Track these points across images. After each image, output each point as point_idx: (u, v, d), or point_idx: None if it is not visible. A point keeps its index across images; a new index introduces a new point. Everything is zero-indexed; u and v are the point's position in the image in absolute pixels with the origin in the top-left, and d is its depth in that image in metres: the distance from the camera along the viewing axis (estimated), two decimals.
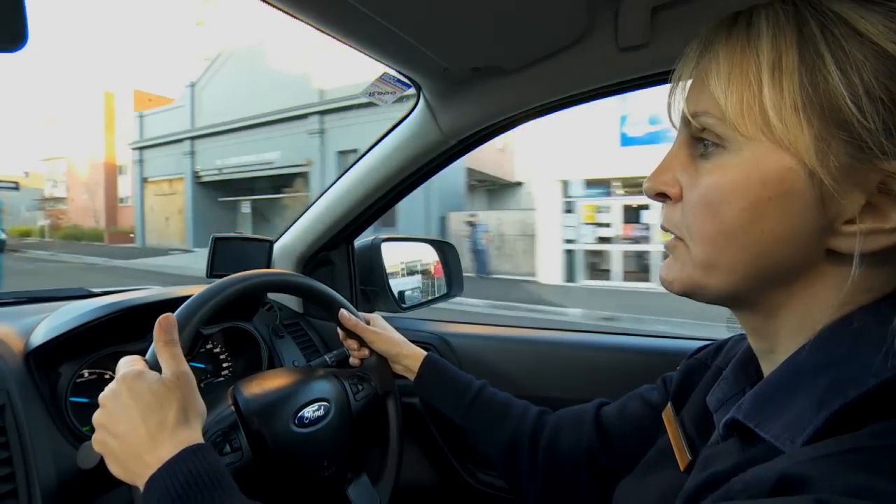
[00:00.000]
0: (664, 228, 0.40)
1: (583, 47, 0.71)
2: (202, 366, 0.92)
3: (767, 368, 0.39)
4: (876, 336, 0.30)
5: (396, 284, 1.18)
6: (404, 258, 1.25)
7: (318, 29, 0.67)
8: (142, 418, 0.47)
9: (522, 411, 0.69)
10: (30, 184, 29.13)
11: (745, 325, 0.40)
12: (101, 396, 0.50)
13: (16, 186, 25.11)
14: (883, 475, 0.25)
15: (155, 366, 0.52)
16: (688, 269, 0.37)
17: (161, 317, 0.53)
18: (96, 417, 0.50)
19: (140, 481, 0.46)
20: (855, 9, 0.30)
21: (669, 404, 0.52)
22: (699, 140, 0.36)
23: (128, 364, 0.52)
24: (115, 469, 0.49)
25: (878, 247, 0.30)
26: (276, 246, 1.11)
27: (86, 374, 0.73)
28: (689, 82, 0.37)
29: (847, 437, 0.28)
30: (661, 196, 0.39)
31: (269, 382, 0.68)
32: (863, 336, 0.31)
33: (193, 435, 0.49)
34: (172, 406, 0.49)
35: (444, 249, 1.28)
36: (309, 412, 0.66)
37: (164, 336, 0.53)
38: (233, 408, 0.62)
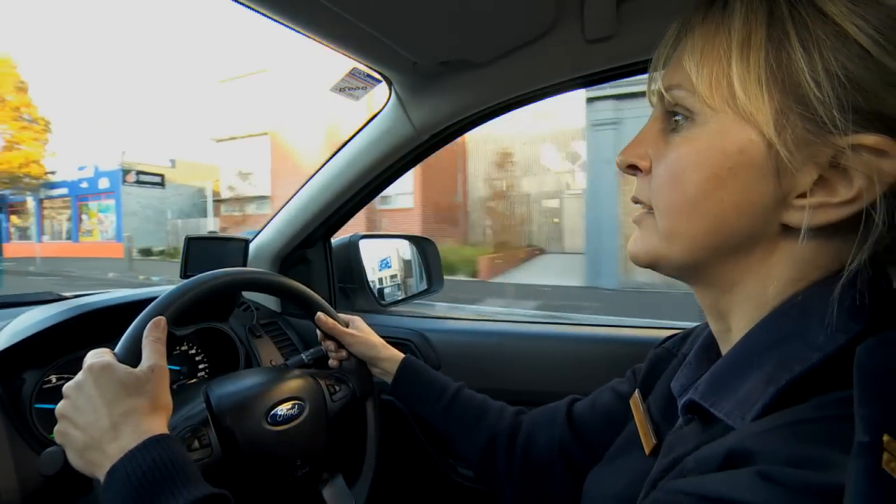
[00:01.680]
0: (635, 200, 0.41)
1: (550, 40, 0.71)
2: (177, 367, 0.91)
3: (725, 350, 0.40)
4: (822, 312, 0.31)
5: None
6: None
7: (285, 25, 0.66)
8: (106, 408, 0.47)
9: (499, 412, 0.69)
10: (177, 177, 19.14)
11: (703, 302, 0.41)
12: (66, 387, 0.50)
13: (160, 181, 18.20)
14: (822, 444, 0.26)
15: (125, 359, 0.52)
16: (653, 241, 0.39)
17: (157, 318, 0.55)
18: (59, 408, 0.49)
19: (100, 472, 0.45)
20: None
21: (637, 391, 0.53)
22: (671, 115, 0.38)
23: (95, 356, 0.51)
24: (75, 460, 0.48)
25: (827, 220, 0.31)
26: (252, 245, 1.09)
27: (53, 380, 0.71)
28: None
29: (791, 410, 0.29)
30: (633, 168, 0.41)
31: (243, 380, 0.67)
32: (810, 312, 0.32)
33: (158, 425, 0.48)
34: (142, 397, 0.48)
35: (423, 245, 1.28)
36: (282, 410, 0.65)
37: (155, 333, 0.54)
38: (204, 405, 0.62)
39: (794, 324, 0.33)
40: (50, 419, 0.66)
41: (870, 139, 0.29)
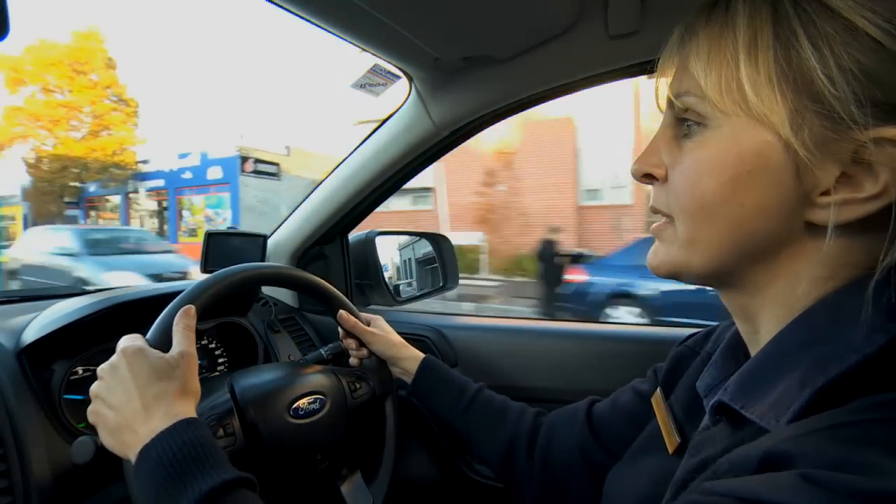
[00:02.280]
0: (654, 210, 0.40)
1: (573, 35, 0.71)
2: (198, 361, 0.92)
3: (753, 351, 0.40)
4: (857, 311, 0.30)
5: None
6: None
7: (307, 20, 0.66)
8: (139, 391, 0.48)
9: (519, 414, 0.69)
10: (290, 167, 15.24)
11: (730, 305, 0.40)
12: (100, 369, 0.51)
13: (276, 171, 14.67)
14: (864, 447, 0.26)
15: (156, 344, 0.53)
16: (673, 250, 0.38)
17: (187, 306, 0.57)
18: (93, 389, 0.51)
19: (132, 452, 0.46)
20: None
21: (658, 389, 0.52)
22: (682, 121, 0.37)
23: (129, 340, 0.53)
24: (107, 440, 0.49)
25: (853, 216, 0.31)
26: (270, 241, 1.10)
27: (80, 372, 0.73)
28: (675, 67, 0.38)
29: (830, 413, 0.28)
30: (648, 177, 0.40)
31: (266, 373, 0.69)
32: (844, 312, 0.31)
33: (188, 409, 0.49)
34: (173, 382, 0.50)
35: (439, 242, 1.28)
36: (304, 404, 0.66)
37: (185, 320, 0.56)
38: (229, 395, 0.63)
39: (827, 324, 0.32)
40: (78, 409, 0.68)
41: (892, 132, 0.29)
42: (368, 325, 0.79)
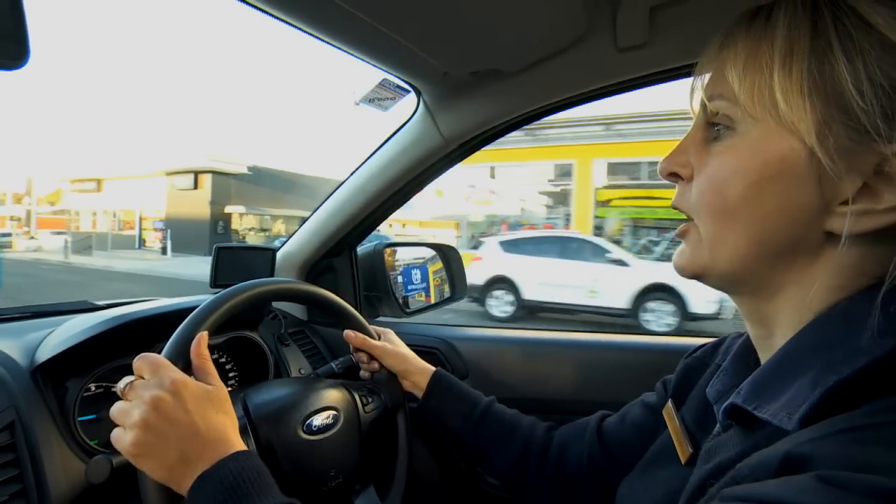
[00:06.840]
0: (674, 207, 0.42)
1: (581, 48, 0.71)
2: None
3: (765, 356, 0.40)
4: (867, 318, 0.31)
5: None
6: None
7: (316, 36, 0.67)
8: (203, 423, 0.48)
9: (531, 427, 0.69)
10: None
11: (745, 310, 0.41)
12: (152, 396, 0.47)
13: None
14: (881, 449, 0.26)
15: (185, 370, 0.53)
16: (697, 252, 0.39)
17: (198, 336, 0.56)
18: (144, 418, 0.47)
19: (187, 480, 0.45)
20: (868, 2, 0.32)
21: (670, 401, 0.53)
22: (713, 125, 0.39)
23: (167, 370, 0.50)
24: (153, 468, 0.46)
25: (871, 227, 0.32)
26: (279, 254, 1.11)
27: (92, 388, 0.73)
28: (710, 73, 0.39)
29: (844, 416, 0.29)
30: (674, 176, 0.41)
31: (279, 389, 0.68)
32: (856, 319, 0.32)
33: (241, 443, 0.50)
34: (227, 415, 0.51)
35: (447, 252, 1.28)
36: (318, 419, 0.65)
37: (201, 354, 0.55)
38: (243, 412, 0.63)
39: (838, 329, 0.33)
40: (90, 427, 0.68)
41: None
42: (379, 339, 0.79)
